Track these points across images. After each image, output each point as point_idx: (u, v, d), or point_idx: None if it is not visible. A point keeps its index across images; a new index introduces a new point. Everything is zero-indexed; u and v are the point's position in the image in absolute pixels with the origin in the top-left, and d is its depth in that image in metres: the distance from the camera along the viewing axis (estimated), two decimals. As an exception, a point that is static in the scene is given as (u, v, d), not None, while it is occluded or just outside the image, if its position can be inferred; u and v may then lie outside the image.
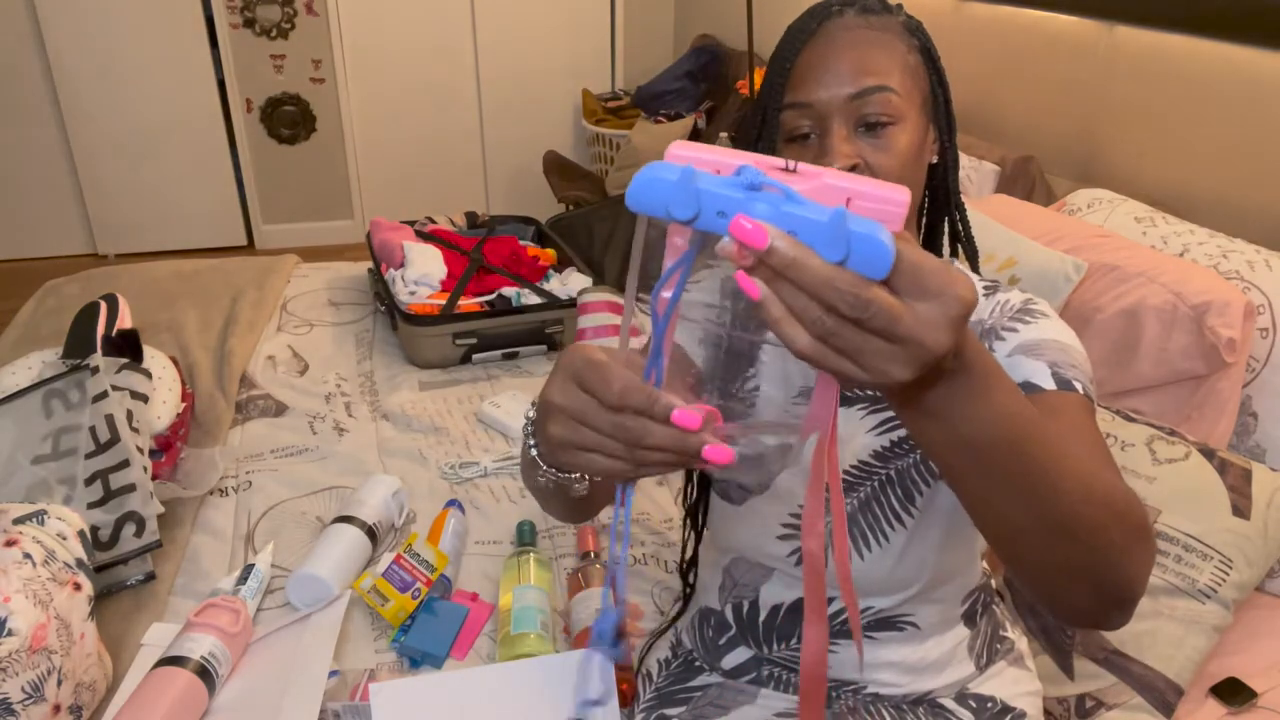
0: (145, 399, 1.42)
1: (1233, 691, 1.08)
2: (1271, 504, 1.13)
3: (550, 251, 2.21)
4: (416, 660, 1.13)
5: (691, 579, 1.06)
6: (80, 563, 1.02)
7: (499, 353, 1.91)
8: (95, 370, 1.36)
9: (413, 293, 1.95)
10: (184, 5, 3.54)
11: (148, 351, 1.57)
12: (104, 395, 1.33)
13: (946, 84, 0.82)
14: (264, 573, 1.22)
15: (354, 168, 3.98)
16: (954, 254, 0.91)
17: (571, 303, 1.91)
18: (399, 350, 1.94)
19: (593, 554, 1.26)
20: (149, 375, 1.46)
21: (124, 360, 1.45)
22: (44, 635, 0.92)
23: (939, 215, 0.88)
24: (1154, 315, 1.35)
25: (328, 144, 3.91)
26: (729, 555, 0.96)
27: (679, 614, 1.10)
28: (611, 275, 2.28)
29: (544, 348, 1.94)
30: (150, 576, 1.24)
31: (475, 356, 1.90)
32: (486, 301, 1.96)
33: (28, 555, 0.95)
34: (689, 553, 1.05)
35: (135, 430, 1.33)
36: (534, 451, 0.66)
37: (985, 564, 1.01)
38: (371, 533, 1.28)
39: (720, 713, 0.94)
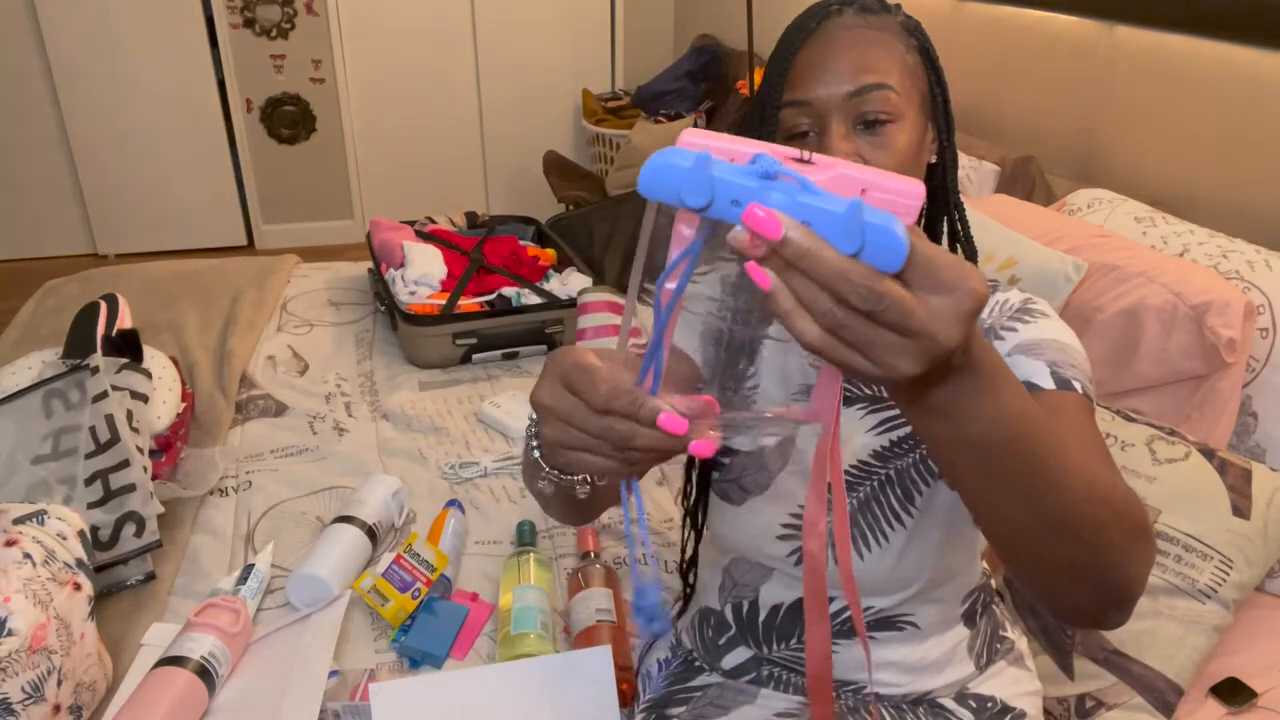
0: (145, 399, 1.42)
1: (1233, 691, 1.08)
2: (1271, 504, 1.13)
3: (550, 251, 2.21)
4: (416, 660, 1.13)
5: (691, 579, 1.06)
6: (80, 563, 1.02)
7: (499, 353, 1.91)
8: (95, 370, 1.36)
9: (413, 293, 1.95)
10: (184, 5, 3.54)
11: (148, 351, 1.57)
12: (104, 395, 1.33)
13: (945, 84, 0.82)
14: (264, 573, 1.22)
15: (354, 168, 3.98)
16: (952, 253, 0.91)
17: (571, 303, 1.91)
18: (399, 350, 1.94)
19: (593, 554, 1.26)
20: (149, 375, 1.46)
21: (124, 360, 1.45)
22: (44, 635, 0.92)
23: (938, 215, 0.88)
24: (1154, 315, 1.35)
25: (328, 144, 3.91)
26: (729, 555, 0.96)
27: (679, 614, 1.10)
28: (611, 275, 2.28)
29: (544, 348, 1.94)
30: (150, 576, 1.24)
31: (475, 356, 1.90)
32: (486, 301, 1.96)
33: (28, 555, 0.95)
34: (689, 553, 1.05)
35: (135, 430, 1.33)
36: (536, 453, 0.66)
37: (985, 564, 1.01)
38: (371, 533, 1.28)
39: (720, 713, 0.94)
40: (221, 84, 3.72)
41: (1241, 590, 1.11)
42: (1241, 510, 1.13)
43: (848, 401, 0.87)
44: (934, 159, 0.84)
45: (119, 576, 1.23)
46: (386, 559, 1.19)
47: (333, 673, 1.07)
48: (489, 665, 1.10)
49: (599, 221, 2.45)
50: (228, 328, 1.93)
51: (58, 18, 3.45)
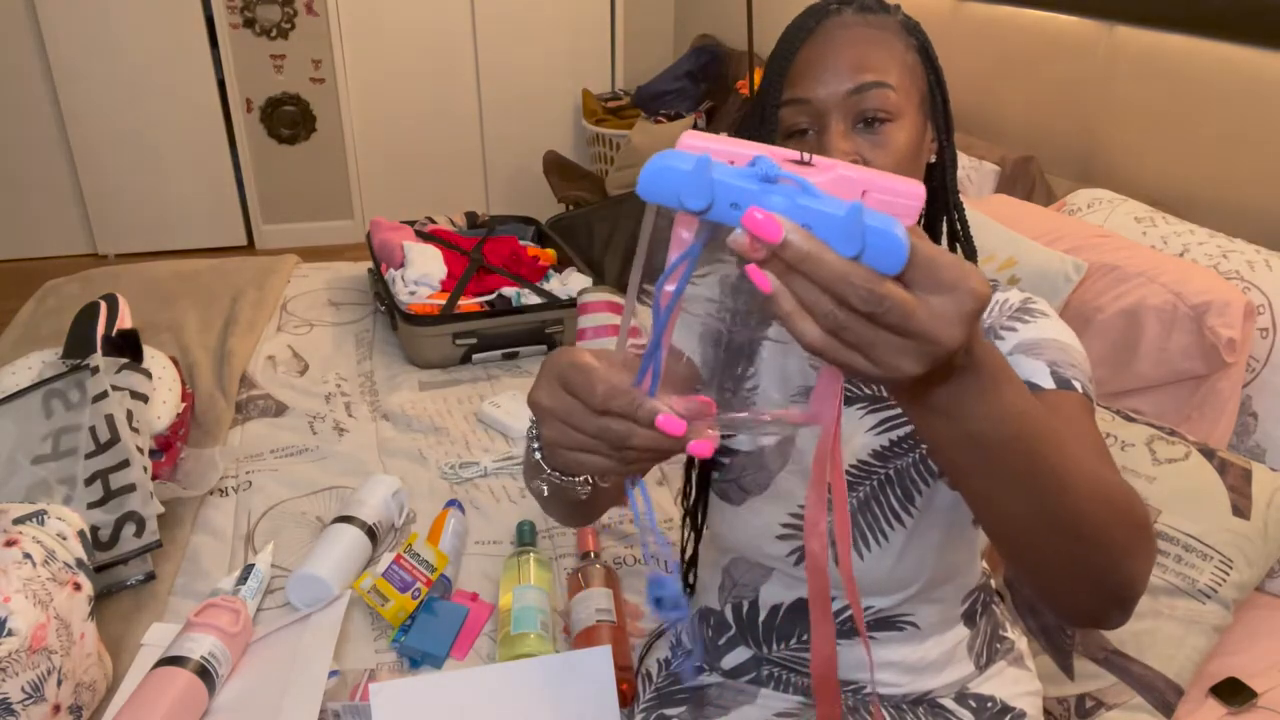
0: (145, 399, 1.42)
1: (1233, 691, 1.08)
2: (1271, 504, 1.13)
3: (550, 251, 2.21)
4: (416, 660, 1.13)
5: (691, 579, 1.06)
6: (80, 563, 1.02)
7: (499, 353, 1.91)
8: (95, 370, 1.36)
9: (413, 293, 1.95)
10: (184, 5, 3.54)
11: (148, 351, 1.57)
12: (104, 395, 1.33)
13: (944, 83, 0.82)
14: (264, 573, 1.22)
15: (354, 168, 3.98)
16: (951, 252, 0.91)
17: (571, 303, 1.91)
18: (399, 350, 1.94)
19: (593, 554, 1.26)
20: (149, 375, 1.46)
21: (124, 360, 1.45)
22: (44, 635, 0.92)
23: (937, 215, 0.88)
24: (1154, 315, 1.35)
25: (328, 144, 3.91)
26: (728, 555, 0.96)
27: (679, 614, 1.10)
28: (611, 275, 2.28)
29: (544, 348, 1.94)
30: (150, 576, 1.24)
31: (475, 356, 1.90)
32: (486, 301, 1.96)
33: (28, 555, 0.95)
34: (688, 553, 1.05)
35: (135, 430, 1.33)
36: (537, 455, 0.66)
37: (985, 564, 1.01)
38: (371, 533, 1.28)
39: (720, 713, 0.94)
40: (221, 84, 3.72)
41: (1241, 590, 1.11)
42: (1241, 510, 1.13)
43: (847, 401, 0.87)
44: (933, 159, 0.84)
45: (119, 576, 1.23)
46: (386, 559, 1.19)
47: (333, 673, 1.07)
48: (489, 665, 1.10)
49: (599, 221, 2.45)
50: (228, 328, 1.93)
51: (58, 18, 3.45)
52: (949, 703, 0.93)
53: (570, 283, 2.05)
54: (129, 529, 1.22)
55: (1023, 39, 2.07)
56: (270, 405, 1.72)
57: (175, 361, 1.63)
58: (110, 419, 1.30)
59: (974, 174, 1.99)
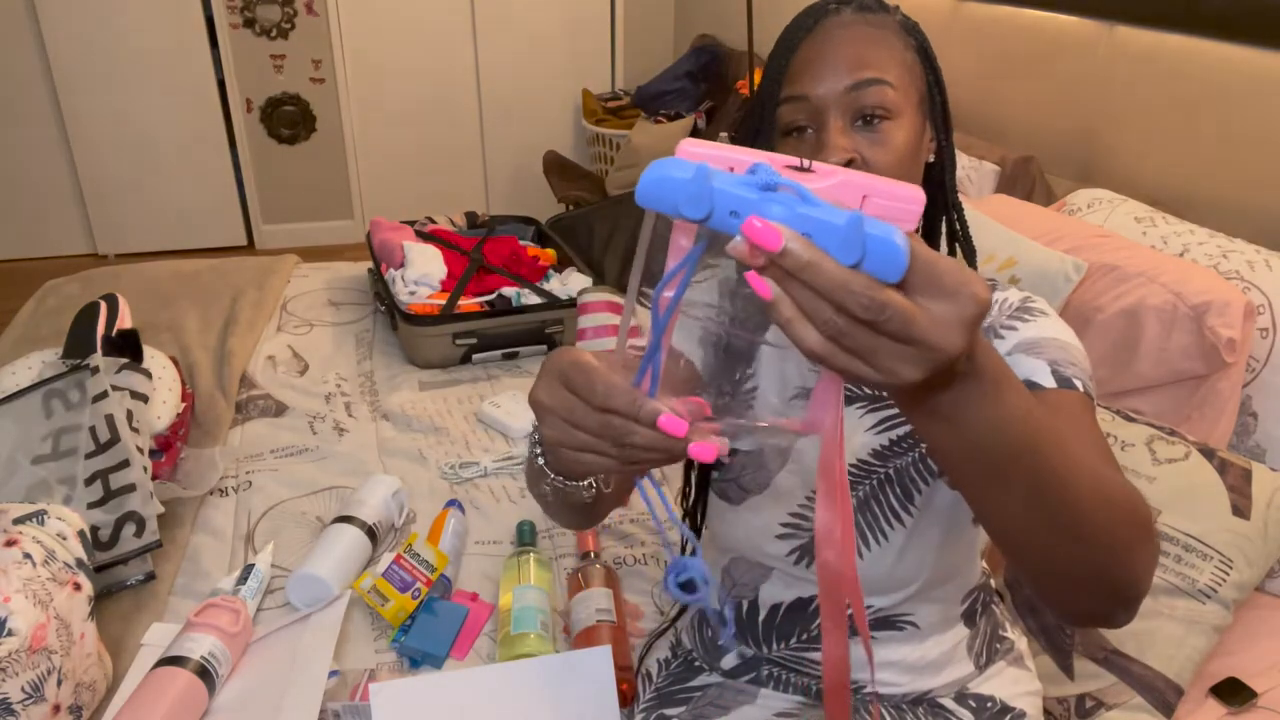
0: (145, 399, 1.42)
1: (1233, 691, 1.08)
2: (1271, 504, 1.13)
3: (550, 251, 2.21)
4: (416, 660, 1.13)
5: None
6: (80, 563, 1.02)
7: (499, 353, 1.91)
8: (95, 370, 1.36)
9: (413, 293, 1.95)
10: (184, 5, 3.54)
11: (148, 351, 1.57)
12: (104, 395, 1.33)
13: (943, 83, 0.82)
14: (264, 573, 1.22)
15: (354, 168, 3.98)
16: (951, 253, 0.91)
17: (571, 303, 1.91)
18: (399, 350, 1.94)
19: (593, 554, 1.26)
20: (149, 375, 1.46)
21: (124, 360, 1.45)
22: (44, 635, 0.92)
23: (936, 215, 0.88)
24: (1154, 315, 1.35)
25: (328, 144, 3.91)
26: (728, 555, 0.96)
27: (679, 614, 1.10)
28: (611, 275, 2.28)
29: (544, 348, 1.94)
30: (150, 576, 1.24)
31: (475, 356, 1.90)
32: (486, 301, 1.96)
33: (28, 555, 0.95)
34: (688, 552, 1.05)
35: (135, 430, 1.33)
36: (540, 460, 0.66)
37: (985, 564, 1.01)
38: (371, 533, 1.28)
39: (720, 713, 0.94)
40: (221, 84, 3.72)
41: (1241, 590, 1.11)
42: (1241, 510, 1.13)
43: (846, 400, 0.87)
44: (932, 158, 0.84)
45: (119, 576, 1.23)
46: (386, 559, 1.19)
47: (333, 673, 1.07)
48: (489, 665, 1.10)
49: (599, 221, 2.45)
50: (228, 328, 1.93)
51: (58, 18, 3.45)
52: (949, 702, 0.93)
53: (570, 283, 2.05)
54: (129, 529, 1.22)
55: (1023, 39, 2.07)
56: (270, 405, 1.72)
57: (175, 361, 1.63)
58: (110, 419, 1.30)
59: (974, 174, 1.99)
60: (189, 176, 3.81)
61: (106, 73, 3.56)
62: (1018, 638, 1.01)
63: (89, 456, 1.27)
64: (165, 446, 1.46)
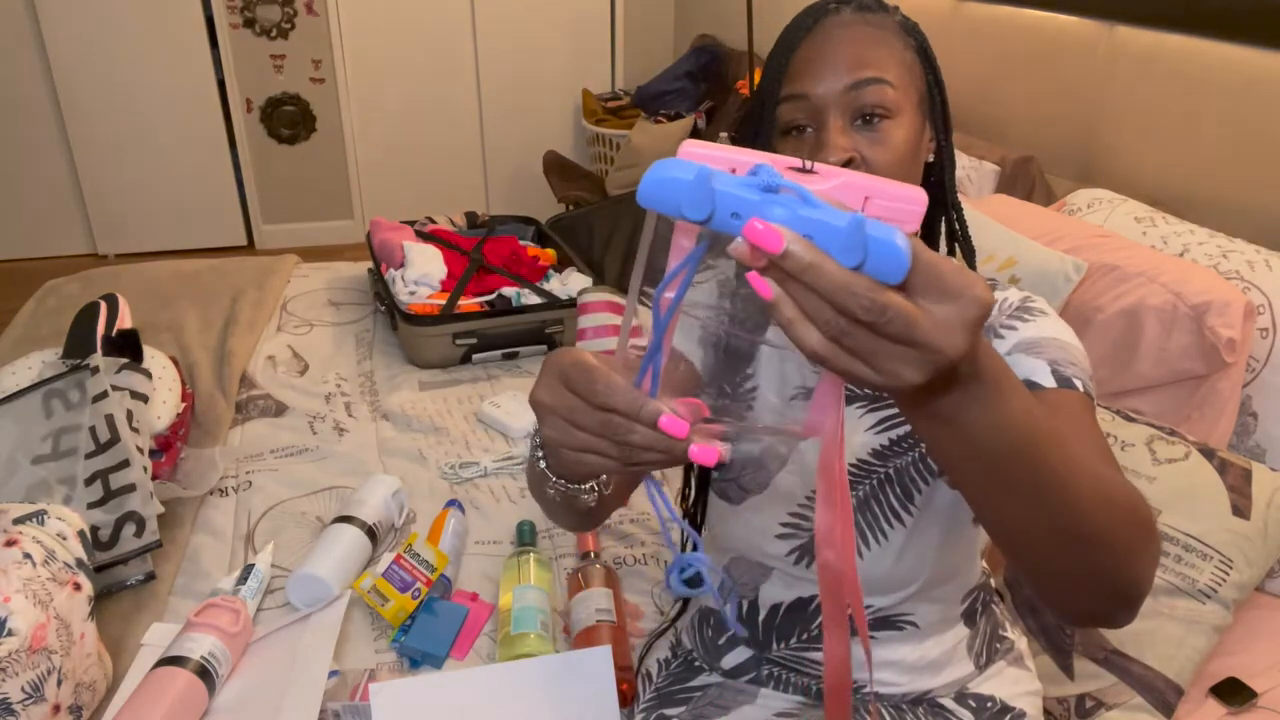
0: (145, 399, 1.42)
1: (1233, 691, 1.08)
2: (1271, 504, 1.13)
3: (550, 251, 2.21)
4: (416, 660, 1.13)
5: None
6: (80, 563, 1.02)
7: (499, 353, 1.91)
8: (95, 370, 1.36)
9: (413, 293, 1.95)
10: (184, 5, 3.54)
11: (148, 351, 1.57)
12: (104, 395, 1.33)
13: (943, 83, 0.82)
14: (264, 573, 1.22)
15: (354, 168, 3.98)
16: (951, 253, 0.91)
17: (571, 303, 1.91)
18: (399, 350, 1.94)
19: (593, 554, 1.26)
20: (149, 375, 1.46)
21: (124, 360, 1.45)
22: (44, 635, 0.92)
23: (936, 215, 0.88)
24: (1154, 315, 1.35)
25: (328, 144, 3.91)
26: (728, 555, 0.96)
27: (679, 614, 1.10)
28: (611, 275, 2.28)
29: (544, 348, 1.94)
30: (150, 576, 1.24)
31: (475, 356, 1.90)
32: (486, 301, 1.96)
33: (28, 555, 0.95)
34: (688, 549, 1.05)
35: (135, 430, 1.33)
36: (542, 464, 0.66)
37: (985, 563, 1.01)
38: (371, 533, 1.28)
39: (720, 713, 0.94)
40: (221, 84, 3.72)
41: (1241, 590, 1.11)
42: (1241, 510, 1.13)
43: (846, 400, 0.87)
44: (931, 158, 0.84)
45: (119, 576, 1.23)
46: (386, 559, 1.19)
47: (333, 673, 1.07)
48: (489, 665, 1.10)
49: (599, 221, 2.45)
50: (228, 328, 1.93)
51: (58, 18, 3.45)
52: (949, 702, 0.93)
53: (570, 283, 2.05)
54: (129, 529, 1.22)
55: (1023, 39, 2.07)
56: (270, 405, 1.72)
57: (175, 361, 1.63)
58: (110, 419, 1.30)
59: (974, 174, 1.99)
60: (189, 176, 3.81)
61: (106, 73, 3.56)
62: (1018, 638, 1.01)
63: (89, 456, 1.27)
64: (165, 446, 1.46)
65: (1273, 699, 1.08)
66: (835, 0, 0.80)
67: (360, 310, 2.13)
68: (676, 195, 0.44)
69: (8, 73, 3.50)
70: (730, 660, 0.98)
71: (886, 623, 0.90)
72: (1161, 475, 1.17)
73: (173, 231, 3.88)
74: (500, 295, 1.98)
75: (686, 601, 1.09)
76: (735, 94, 3.26)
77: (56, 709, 0.94)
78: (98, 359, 1.38)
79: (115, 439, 1.28)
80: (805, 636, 0.92)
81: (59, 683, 0.94)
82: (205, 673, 1.00)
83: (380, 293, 2.03)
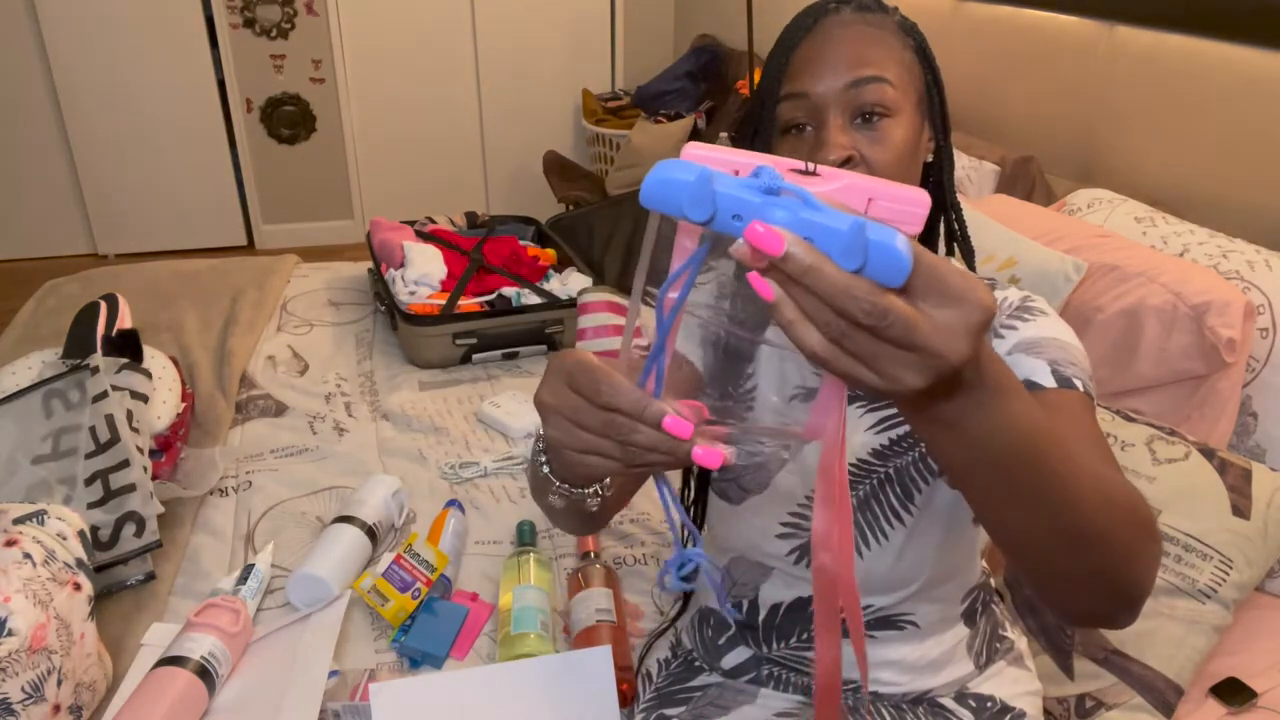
0: (145, 399, 1.42)
1: (1233, 691, 1.08)
2: (1271, 504, 1.13)
3: (550, 251, 2.21)
4: (416, 660, 1.13)
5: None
6: (80, 563, 1.02)
7: (499, 353, 1.91)
8: (95, 370, 1.36)
9: (413, 293, 1.95)
10: (184, 5, 3.54)
11: (148, 351, 1.57)
12: (104, 395, 1.33)
13: (941, 83, 0.82)
14: (264, 573, 1.22)
15: (354, 168, 3.98)
16: (950, 253, 0.91)
17: (571, 303, 1.91)
18: (399, 350, 1.94)
19: (593, 554, 1.26)
20: (149, 375, 1.46)
21: (124, 360, 1.45)
22: (44, 635, 0.92)
23: (935, 215, 0.88)
24: (1154, 315, 1.35)
25: (328, 144, 3.91)
26: (728, 555, 0.96)
27: (679, 614, 1.10)
28: (611, 275, 2.28)
29: (544, 348, 1.94)
30: (150, 576, 1.24)
31: (475, 356, 1.90)
32: (486, 301, 1.96)
33: (28, 555, 0.95)
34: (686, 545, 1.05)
35: (135, 430, 1.33)
36: (546, 469, 0.66)
37: (985, 563, 1.01)
38: (371, 533, 1.28)
39: (720, 713, 0.94)
40: (221, 84, 3.72)
41: (1241, 590, 1.11)
42: (1241, 510, 1.13)
43: (847, 400, 0.87)
44: (930, 158, 0.84)
45: (119, 576, 1.23)
46: (386, 559, 1.19)
47: (333, 673, 1.07)
48: (489, 665, 1.10)
49: (599, 221, 2.45)
50: (228, 328, 1.93)
51: (58, 18, 3.45)
52: (949, 702, 0.93)
53: (570, 283, 2.05)
54: (129, 529, 1.22)
55: (1023, 39, 2.07)
56: (270, 405, 1.72)
57: (175, 361, 1.63)
58: (110, 419, 1.30)
59: (974, 174, 1.99)
60: (189, 177, 3.81)
61: (106, 73, 3.56)
62: (1018, 637, 1.01)
63: (89, 456, 1.27)
64: (165, 446, 1.46)
65: (1273, 699, 1.08)
66: (835, 0, 0.80)
67: (360, 310, 2.13)
68: (678, 196, 0.44)
69: (8, 73, 3.50)
70: (730, 660, 0.98)
71: (886, 622, 0.90)
72: (1161, 475, 1.17)
73: (173, 231, 3.88)
74: (500, 295, 1.98)
75: (686, 601, 1.09)
76: (735, 94, 3.26)
77: (56, 709, 0.94)
78: (98, 359, 1.38)
79: (115, 439, 1.28)
80: (805, 636, 0.92)
81: (59, 683, 0.94)
82: (205, 673, 1.00)
83: (380, 293, 2.03)
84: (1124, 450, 1.21)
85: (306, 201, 3.99)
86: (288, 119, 3.82)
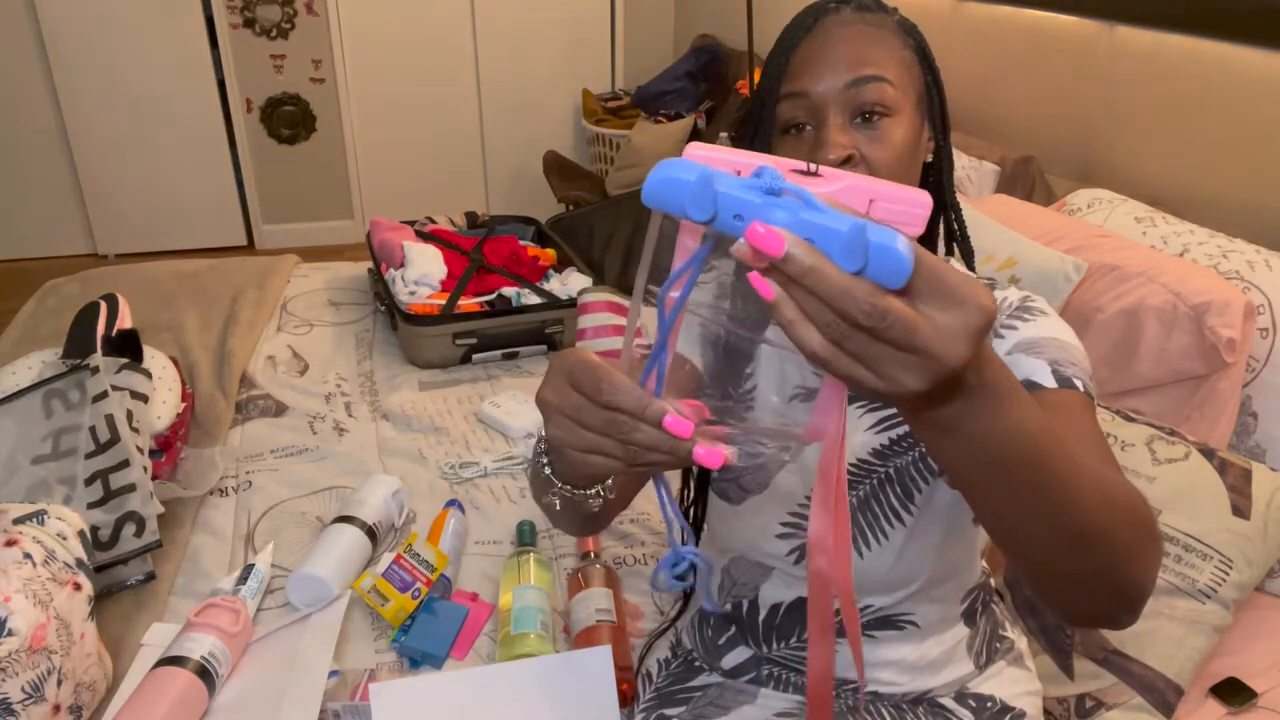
0: (145, 399, 1.42)
1: (1233, 691, 1.08)
2: (1271, 504, 1.13)
3: (550, 251, 2.21)
4: (416, 660, 1.13)
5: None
6: (80, 563, 1.02)
7: (499, 353, 1.91)
8: (95, 370, 1.36)
9: (413, 293, 1.95)
10: (184, 5, 3.54)
11: (148, 351, 1.57)
12: (104, 395, 1.33)
13: (941, 84, 0.82)
14: (264, 573, 1.22)
15: (354, 168, 3.98)
16: (950, 253, 0.91)
17: (571, 303, 1.91)
18: (399, 350, 1.94)
19: (593, 554, 1.26)
20: (149, 375, 1.46)
21: (124, 360, 1.45)
22: (44, 635, 0.92)
23: (935, 214, 0.88)
24: (1154, 315, 1.35)
25: (328, 144, 3.91)
26: (728, 555, 0.96)
27: (679, 614, 1.10)
28: (611, 275, 2.28)
29: (544, 348, 1.94)
30: (150, 576, 1.24)
31: (475, 356, 1.90)
32: (486, 301, 1.96)
33: (28, 555, 0.95)
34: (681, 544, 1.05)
35: (135, 430, 1.33)
36: (547, 470, 0.66)
37: (985, 563, 1.01)
38: (371, 533, 1.28)
39: (720, 713, 0.94)
40: (221, 84, 3.72)
41: (1241, 590, 1.11)
42: (1241, 510, 1.13)
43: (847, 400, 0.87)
44: (930, 158, 0.84)
45: (119, 576, 1.23)
46: (386, 559, 1.19)
47: (333, 673, 1.07)
48: (489, 665, 1.10)
49: (599, 221, 2.45)
50: (228, 328, 1.93)
51: (58, 17, 3.45)
52: (949, 702, 0.93)
53: (570, 283, 2.05)
54: (129, 529, 1.22)
55: (1023, 39, 2.07)
56: (270, 405, 1.72)
57: (175, 361, 1.63)
58: (110, 419, 1.30)
59: (974, 174, 1.99)
60: (189, 176, 3.81)
61: (107, 73, 3.56)
62: (1018, 637, 1.01)
63: (89, 456, 1.27)
64: (165, 446, 1.46)
65: (1273, 699, 1.08)
66: (835, 0, 0.81)
67: (360, 310, 2.13)
68: (680, 196, 0.44)
69: (8, 72, 3.50)
70: (730, 660, 0.98)
71: (886, 622, 0.90)
72: (1161, 475, 1.17)
73: (173, 231, 3.88)
74: (500, 295, 1.98)
75: (686, 602, 1.09)
76: (735, 94, 3.26)
77: (56, 709, 0.94)
78: (98, 359, 1.38)
79: (115, 439, 1.28)
80: (805, 636, 0.92)
81: (59, 683, 0.94)
82: (205, 673, 1.00)
83: (380, 293, 2.03)
84: (1124, 450, 1.21)
85: (306, 201, 3.99)
86: (288, 119, 3.81)
